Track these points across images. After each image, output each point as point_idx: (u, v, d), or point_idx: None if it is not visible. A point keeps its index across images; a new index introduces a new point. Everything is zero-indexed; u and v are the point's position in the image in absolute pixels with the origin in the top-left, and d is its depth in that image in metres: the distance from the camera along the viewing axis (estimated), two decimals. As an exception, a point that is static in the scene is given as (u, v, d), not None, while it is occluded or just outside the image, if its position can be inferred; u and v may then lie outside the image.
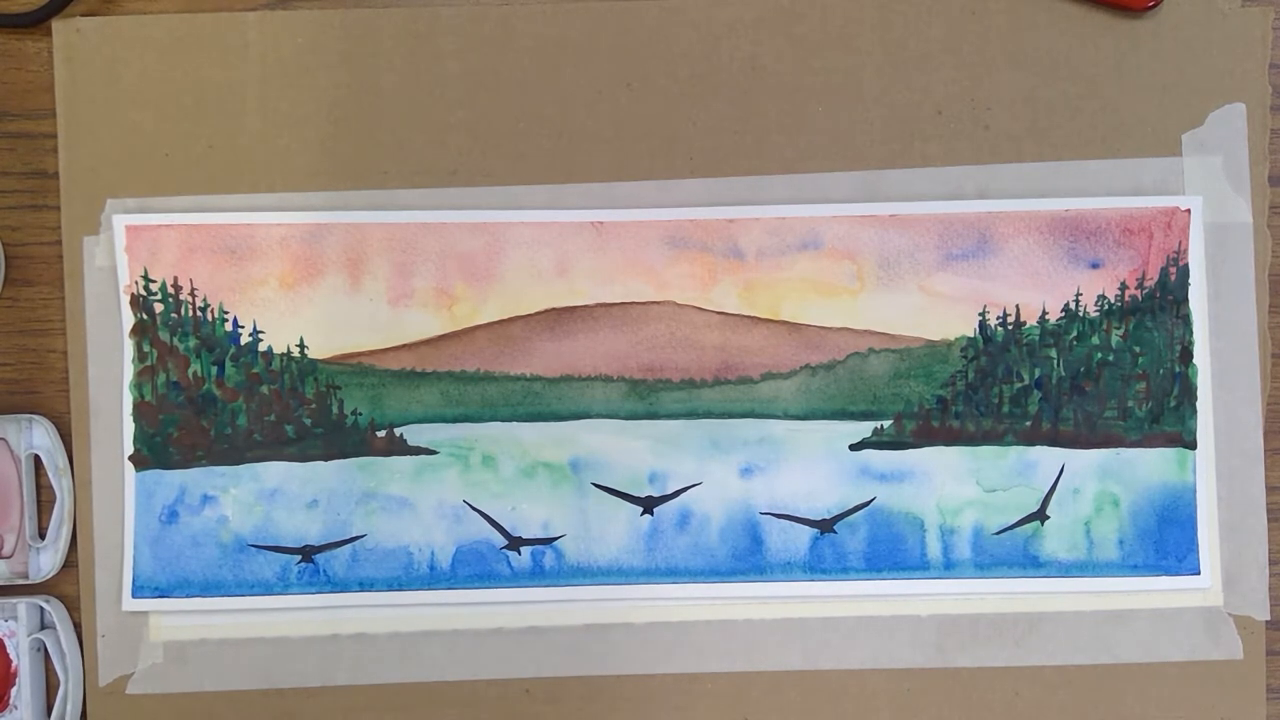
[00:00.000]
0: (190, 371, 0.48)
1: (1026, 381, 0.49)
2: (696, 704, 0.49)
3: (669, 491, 0.49)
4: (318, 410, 0.48)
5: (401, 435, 0.48)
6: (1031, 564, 0.48)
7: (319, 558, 0.48)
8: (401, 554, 0.48)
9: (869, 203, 0.48)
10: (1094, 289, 0.48)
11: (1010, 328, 0.48)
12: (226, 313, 0.48)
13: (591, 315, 0.48)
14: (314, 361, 0.48)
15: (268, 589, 0.48)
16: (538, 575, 0.48)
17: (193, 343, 0.48)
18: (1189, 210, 0.48)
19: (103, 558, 0.48)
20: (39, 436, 0.48)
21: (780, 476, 0.48)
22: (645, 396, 0.48)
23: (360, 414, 0.48)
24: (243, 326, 0.48)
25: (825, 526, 0.48)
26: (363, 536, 0.48)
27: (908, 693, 0.49)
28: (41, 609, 0.48)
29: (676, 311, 0.48)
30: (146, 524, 0.48)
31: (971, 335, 0.48)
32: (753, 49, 0.48)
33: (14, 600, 0.48)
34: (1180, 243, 0.48)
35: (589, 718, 0.49)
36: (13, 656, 0.48)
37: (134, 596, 0.48)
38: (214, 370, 0.48)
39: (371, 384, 0.48)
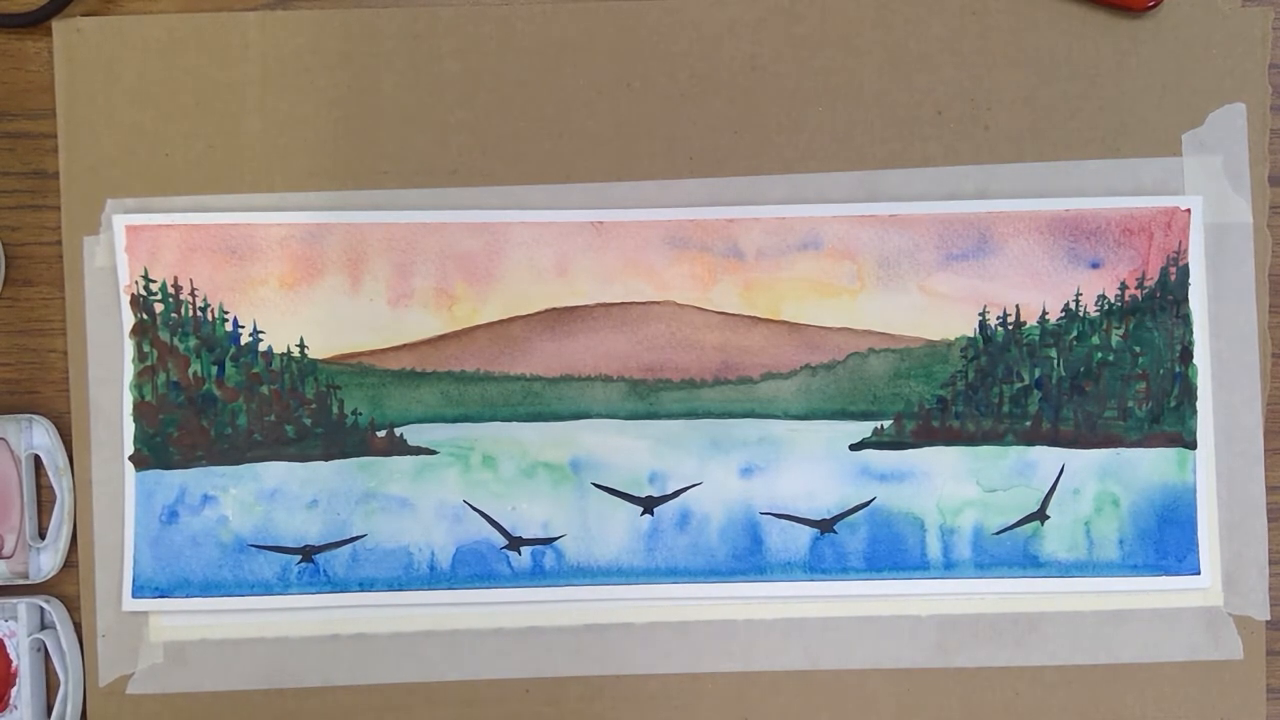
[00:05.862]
0: (190, 371, 0.48)
1: (1026, 381, 0.48)
2: (696, 704, 0.49)
3: (669, 491, 0.48)
4: (318, 410, 0.48)
5: (401, 435, 0.48)
6: (1031, 564, 0.48)
7: (319, 558, 0.48)
8: (401, 554, 0.48)
9: (869, 203, 0.48)
10: (1094, 289, 0.48)
11: (1010, 328, 0.48)
12: (226, 313, 0.48)
13: (591, 315, 0.48)
14: (314, 361, 0.48)
15: (268, 589, 0.48)
16: (538, 575, 0.48)
17: (193, 343, 0.48)
18: (1189, 210, 0.48)
19: (103, 558, 0.48)
20: (39, 436, 0.48)
21: (780, 476, 0.48)
22: (645, 396, 0.48)
23: (360, 414, 0.48)
24: (243, 326, 0.48)
25: (825, 526, 0.48)
26: (363, 536, 0.48)
27: (908, 693, 0.49)
28: (41, 609, 0.48)
29: (676, 311, 0.48)
30: (146, 524, 0.48)
31: (971, 335, 0.48)
32: (753, 49, 0.48)
33: (14, 600, 0.48)
34: (1180, 243, 0.48)
35: (589, 718, 0.49)
36: (13, 656, 0.48)
37: (134, 596, 0.48)
38: (214, 370, 0.48)
39: (371, 384, 0.48)
